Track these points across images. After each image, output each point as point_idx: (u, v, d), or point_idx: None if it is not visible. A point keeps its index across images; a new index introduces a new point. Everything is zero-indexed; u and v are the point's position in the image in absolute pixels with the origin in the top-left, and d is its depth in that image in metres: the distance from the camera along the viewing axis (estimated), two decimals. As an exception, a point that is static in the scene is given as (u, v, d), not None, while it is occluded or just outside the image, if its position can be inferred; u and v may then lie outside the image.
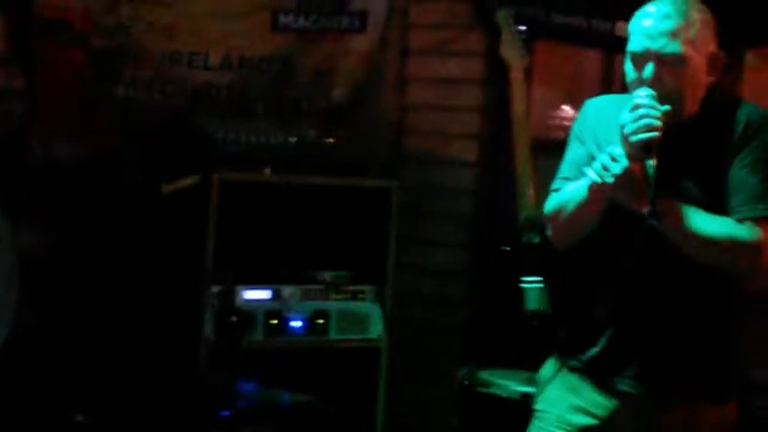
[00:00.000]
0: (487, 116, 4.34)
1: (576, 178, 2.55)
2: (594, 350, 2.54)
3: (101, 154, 4.10)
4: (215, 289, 3.52)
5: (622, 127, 2.36)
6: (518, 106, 3.90)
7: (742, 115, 2.45)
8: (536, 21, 4.07)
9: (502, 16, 3.94)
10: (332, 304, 3.84)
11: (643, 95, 2.38)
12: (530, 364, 3.57)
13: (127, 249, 3.90)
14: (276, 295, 3.76)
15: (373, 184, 3.97)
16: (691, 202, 2.39)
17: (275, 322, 3.73)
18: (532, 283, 3.77)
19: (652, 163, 2.33)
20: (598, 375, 2.54)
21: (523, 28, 3.92)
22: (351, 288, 3.88)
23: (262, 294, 3.74)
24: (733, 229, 2.38)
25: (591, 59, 4.46)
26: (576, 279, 2.67)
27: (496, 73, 4.20)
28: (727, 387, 2.55)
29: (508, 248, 3.87)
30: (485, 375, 3.75)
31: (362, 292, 3.90)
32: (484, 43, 4.27)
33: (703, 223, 2.37)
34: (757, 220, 2.38)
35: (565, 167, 2.65)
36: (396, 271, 4.01)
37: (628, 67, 2.46)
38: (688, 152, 2.46)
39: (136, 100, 4.22)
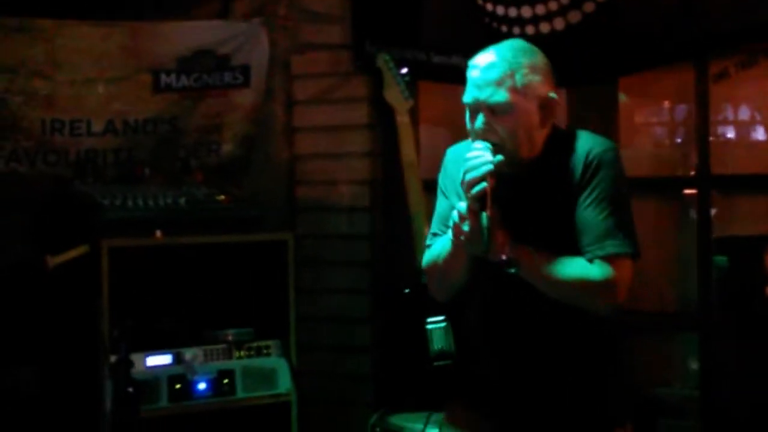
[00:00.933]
0: (377, 161, 4.37)
1: (444, 232, 2.59)
2: (485, 400, 2.57)
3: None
4: (112, 359, 3.44)
5: (462, 182, 2.42)
6: (406, 148, 3.92)
7: (582, 151, 2.48)
8: (417, 63, 4.11)
9: (382, 60, 3.98)
10: (236, 363, 3.78)
11: (479, 147, 2.43)
12: (440, 405, 3.58)
13: (17, 328, 3.78)
14: (178, 359, 3.69)
15: (268, 237, 3.95)
16: (545, 245, 2.42)
17: (179, 386, 3.66)
18: (435, 323, 3.78)
19: (485, 214, 2.35)
20: (491, 421, 2.56)
21: (404, 71, 3.96)
22: (255, 344, 3.83)
23: (164, 359, 3.67)
24: (585, 270, 2.41)
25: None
26: (459, 327, 2.70)
27: (383, 117, 4.24)
28: (616, 412, 2.57)
29: (408, 290, 3.87)
30: (397, 420, 3.73)
31: (267, 347, 3.86)
32: (368, 88, 4.30)
33: (557, 266, 2.41)
34: (607, 258, 2.41)
35: (435, 223, 2.69)
36: (299, 323, 3.98)
37: (467, 118, 2.50)
38: (536, 195, 2.49)
39: (19, 172, 4.12)
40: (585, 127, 2.59)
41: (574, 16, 3.76)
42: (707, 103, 3.93)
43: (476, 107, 2.46)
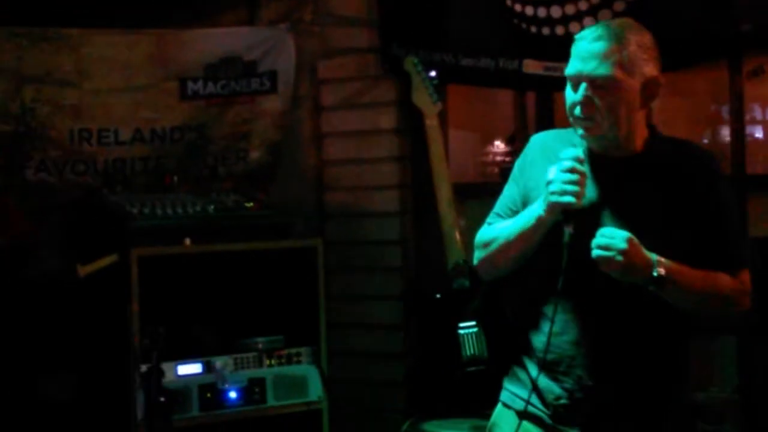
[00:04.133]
0: (406, 165, 4.32)
1: (507, 216, 2.57)
2: (554, 396, 2.50)
3: (15, 240, 3.99)
4: (143, 368, 3.42)
5: (548, 184, 2.38)
6: (436, 151, 3.88)
7: (696, 160, 2.47)
8: (445, 66, 4.06)
9: (410, 63, 3.94)
10: (267, 371, 3.76)
11: (571, 157, 2.37)
12: (473, 412, 3.54)
13: (48, 337, 3.78)
14: (208, 368, 3.67)
15: (297, 244, 3.92)
16: (653, 242, 2.36)
17: (210, 395, 3.64)
18: (467, 328, 3.73)
19: (569, 231, 2.34)
20: (561, 422, 2.49)
21: (433, 73, 3.92)
22: (285, 352, 3.80)
23: (195, 368, 3.65)
24: (728, 283, 2.42)
25: (504, 98, 4.47)
26: (540, 325, 2.58)
27: (411, 121, 4.20)
28: (678, 418, 2.53)
29: (439, 296, 3.83)
30: (429, 426, 3.68)
31: (297, 354, 3.83)
32: (396, 92, 4.26)
33: (702, 281, 2.39)
34: (742, 269, 2.45)
35: (500, 203, 2.65)
36: (330, 330, 3.94)
37: (568, 91, 2.45)
38: (645, 191, 2.44)
39: (48, 182, 4.12)
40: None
41: (605, 15, 3.71)
42: (742, 101, 3.86)
43: (578, 79, 2.40)
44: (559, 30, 3.80)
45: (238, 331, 3.75)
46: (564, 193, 2.34)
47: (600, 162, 2.46)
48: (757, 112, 4.13)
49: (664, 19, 3.63)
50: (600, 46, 2.37)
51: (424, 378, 3.96)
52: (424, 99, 3.90)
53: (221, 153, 4.39)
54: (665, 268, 2.33)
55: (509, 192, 2.64)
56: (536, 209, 2.44)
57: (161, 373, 3.09)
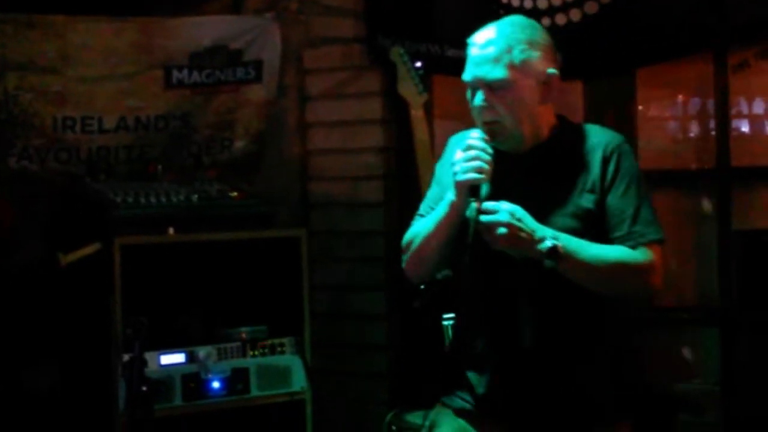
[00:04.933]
0: (390, 155, 4.32)
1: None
2: (481, 389, 2.50)
3: (-2, 229, 3.98)
4: (126, 358, 3.41)
5: (453, 166, 2.40)
6: (421, 142, 3.88)
7: (597, 142, 2.48)
8: (431, 56, 4.06)
9: (396, 54, 3.93)
10: (251, 361, 3.75)
11: (474, 137, 2.41)
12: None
13: (29, 327, 3.77)
14: (191, 358, 3.66)
15: (281, 234, 3.92)
16: (565, 230, 2.38)
17: (193, 385, 3.63)
18: (451, 319, 3.74)
19: (474, 206, 2.36)
20: (488, 416, 2.50)
21: (418, 64, 3.91)
22: (269, 342, 3.80)
23: (178, 358, 3.64)
24: (629, 255, 2.40)
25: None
26: (462, 319, 2.62)
27: (397, 111, 4.20)
28: (616, 407, 2.52)
29: (423, 287, 3.82)
30: (413, 418, 3.69)
31: (281, 345, 3.82)
32: (382, 82, 4.26)
33: (600, 254, 2.37)
34: (647, 245, 2.42)
35: (423, 205, 2.66)
36: (314, 320, 3.94)
37: (468, 96, 2.48)
38: (543, 180, 2.46)
39: (31, 170, 4.10)
40: (602, 120, 2.56)
41: (591, 7, 3.72)
42: (727, 94, 3.87)
43: (475, 85, 2.44)
44: (545, 21, 3.79)
45: (221, 320, 3.74)
46: (467, 170, 2.37)
47: (507, 159, 2.46)
48: (742, 106, 4.13)
49: (654, 9, 3.65)
50: (491, 49, 2.40)
51: (407, 369, 3.96)
52: (409, 89, 3.89)
53: (206, 142, 4.38)
54: (560, 242, 2.33)
55: (431, 193, 2.65)
56: (449, 196, 2.45)
57: (144, 363, 3.08)
